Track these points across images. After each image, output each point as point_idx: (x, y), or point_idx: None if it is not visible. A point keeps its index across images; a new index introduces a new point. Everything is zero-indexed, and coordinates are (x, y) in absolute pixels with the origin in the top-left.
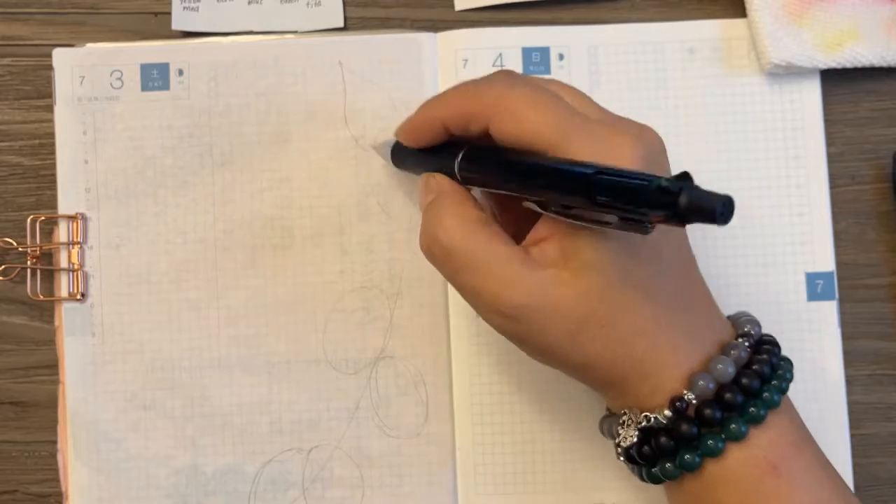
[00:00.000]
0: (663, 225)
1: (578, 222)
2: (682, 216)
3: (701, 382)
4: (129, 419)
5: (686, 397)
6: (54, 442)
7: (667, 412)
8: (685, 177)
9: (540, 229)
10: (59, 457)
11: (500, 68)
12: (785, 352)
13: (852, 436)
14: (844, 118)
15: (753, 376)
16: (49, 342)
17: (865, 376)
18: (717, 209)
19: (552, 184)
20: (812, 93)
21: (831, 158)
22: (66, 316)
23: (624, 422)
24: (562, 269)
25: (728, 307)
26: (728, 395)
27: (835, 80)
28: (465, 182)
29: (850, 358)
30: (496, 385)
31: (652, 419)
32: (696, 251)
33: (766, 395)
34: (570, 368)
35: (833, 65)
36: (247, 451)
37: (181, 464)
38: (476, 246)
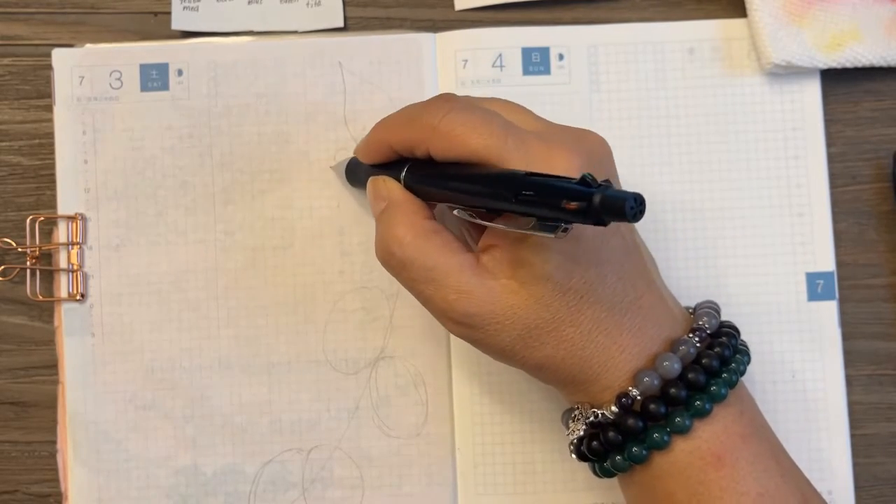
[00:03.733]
0: (582, 225)
1: (501, 228)
2: (596, 214)
3: (646, 379)
4: (128, 419)
5: (631, 393)
6: (54, 442)
7: (613, 408)
8: (608, 184)
9: (489, 237)
10: (59, 457)
11: (499, 68)
12: (785, 352)
13: (852, 436)
14: (844, 118)
15: (700, 371)
16: (49, 342)
17: (865, 376)
18: (628, 205)
19: (479, 189)
20: (812, 93)
21: (831, 158)
22: (66, 316)
23: (575, 416)
24: (510, 279)
25: (728, 307)
26: (672, 390)
27: (835, 80)
28: (414, 194)
29: (850, 358)
30: (496, 385)
31: (600, 414)
32: (697, 251)
33: (713, 388)
34: (525, 368)
35: (833, 65)
36: (247, 451)
37: (181, 464)
38: (428, 257)
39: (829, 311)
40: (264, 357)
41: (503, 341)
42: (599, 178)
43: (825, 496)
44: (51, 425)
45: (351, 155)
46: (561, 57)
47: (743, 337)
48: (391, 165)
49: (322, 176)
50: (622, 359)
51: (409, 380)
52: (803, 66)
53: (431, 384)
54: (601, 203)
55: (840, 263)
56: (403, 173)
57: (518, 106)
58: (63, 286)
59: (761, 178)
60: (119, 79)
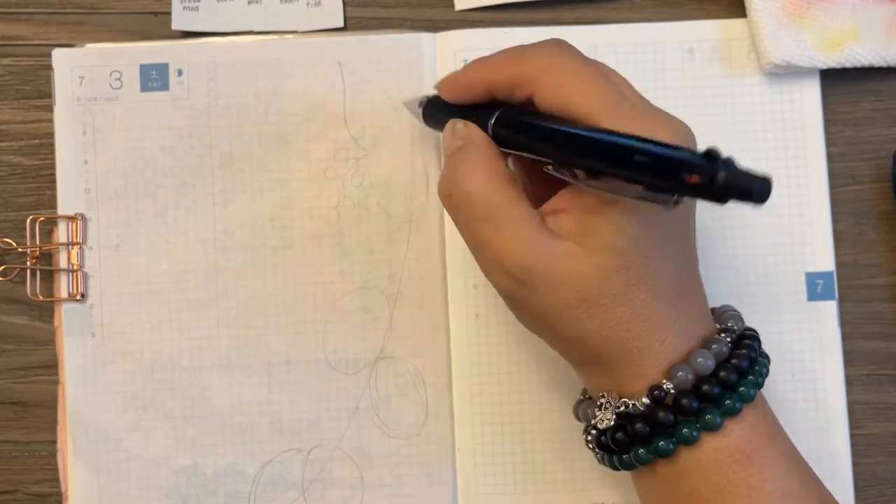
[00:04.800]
0: (692, 199)
1: (603, 190)
2: (719, 190)
3: (680, 374)
4: (128, 419)
5: (665, 387)
6: (54, 442)
7: (644, 399)
8: (731, 160)
9: (559, 201)
10: (59, 457)
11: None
12: (785, 352)
13: (852, 436)
14: (844, 118)
15: (732, 370)
16: (49, 342)
17: (865, 376)
18: (755, 188)
19: (588, 148)
20: (812, 93)
21: (831, 158)
22: (66, 316)
23: (602, 405)
24: (576, 244)
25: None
26: (706, 387)
27: (834, 80)
28: (497, 142)
29: (850, 358)
30: (496, 385)
31: (630, 405)
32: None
33: (742, 389)
34: (559, 341)
35: (833, 65)
36: (247, 451)
37: (181, 464)
38: (497, 199)
39: (828, 311)
40: (264, 357)
41: (551, 305)
42: None
43: None
44: (51, 425)
45: (423, 94)
46: None
47: None
48: (476, 109)
49: (322, 176)
50: (660, 349)
51: (409, 380)
52: (803, 66)
53: (431, 384)
54: (726, 180)
55: (840, 263)
56: (494, 118)
57: (622, 76)
58: (63, 286)
59: None
60: (119, 79)
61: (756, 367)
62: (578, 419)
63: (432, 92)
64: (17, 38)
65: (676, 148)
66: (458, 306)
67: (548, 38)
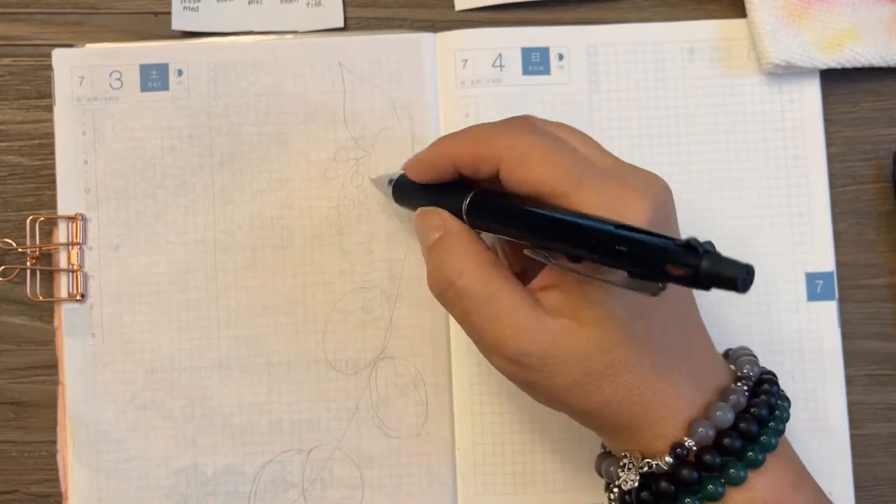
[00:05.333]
0: (675, 286)
1: (584, 275)
2: (703, 280)
3: (701, 429)
4: (128, 419)
5: (687, 444)
6: (54, 442)
7: (668, 458)
8: (711, 247)
9: (548, 276)
10: (59, 457)
11: (499, 68)
12: (785, 352)
13: (852, 436)
14: (844, 118)
15: (751, 421)
16: (49, 342)
17: (865, 376)
18: (740, 278)
19: (566, 235)
20: (812, 93)
21: (831, 158)
22: (66, 316)
23: (624, 465)
24: (570, 320)
25: (728, 307)
26: (727, 441)
27: (834, 80)
28: (471, 225)
29: (850, 358)
30: (496, 385)
31: (653, 465)
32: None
33: (763, 438)
34: (575, 414)
35: (833, 65)
36: (247, 451)
37: (181, 464)
38: (490, 290)
39: (828, 311)
40: (264, 357)
41: (558, 385)
42: (667, 225)
43: None
44: (51, 425)
45: (392, 171)
46: (560, 57)
47: (742, 338)
48: (448, 190)
49: (322, 176)
50: (676, 407)
51: (409, 380)
52: (803, 66)
53: (431, 384)
54: (710, 271)
55: (840, 263)
56: (467, 201)
57: (588, 138)
58: (63, 286)
59: (761, 178)
60: (119, 79)
61: (777, 413)
62: (600, 475)
63: (399, 171)
64: (17, 38)
65: (657, 237)
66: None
67: (516, 116)
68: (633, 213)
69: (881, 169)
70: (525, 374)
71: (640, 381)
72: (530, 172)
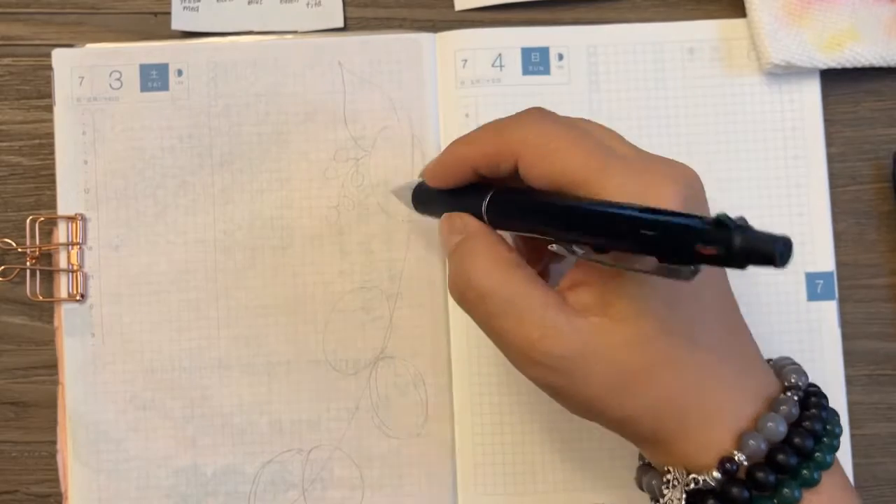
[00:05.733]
0: (709, 268)
1: (612, 265)
2: (738, 258)
3: (752, 442)
4: (128, 419)
5: (737, 458)
6: (54, 442)
7: (716, 474)
8: (744, 223)
9: (576, 273)
10: (59, 457)
11: (499, 68)
12: (785, 352)
13: (852, 436)
14: (844, 118)
15: (806, 435)
16: (49, 342)
17: (865, 376)
18: (777, 251)
19: (589, 225)
20: (812, 93)
21: (831, 158)
22: (66, 316)
23: (669, 481)
24: (602, 317)
25: None
26: (781, 457)
27: (835, 80)
28: (493, 225)
29: (850, 358)
30: (496, 385)
31: (700, 481)
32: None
33: (818, 455)
34: (611, 422)
35: (833, 65)
36: (247, 451)
37: (181, 464)
38: (512, 290)
39: (829, 311)
40: (264, 357)
41: (591, 390)
42: (702, 210)
43: None
44: (51, 425)
45: (412, 180)
46: (560, 57)
47: None
48: (468, 193)
49: (322, 176)
50: (722, 415)
51: (409, 380)
52: (803, 66)
53: (431, 384)
54: (744, 246)
55: (840, 263)
56: (486, 200)
57: (609, 129)
58: (63, 286)
59: (761, 178)
60: (119, 79)
61: (828, 428)
62: (641, 489)
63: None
64: (17, 38)
65: (685, 217)
66: (458, 307)
67: (530, 106)
68: (663, 197)
69: (881, 169)
70: (555, 379)
71: (682, 381)
72: (550, 164)
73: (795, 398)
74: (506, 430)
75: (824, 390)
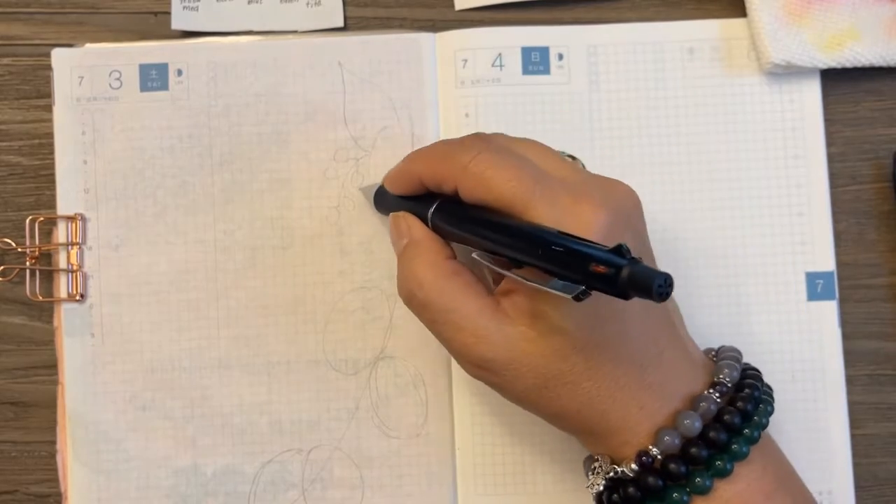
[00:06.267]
0: (600, 293)
1: (521, 279)
2: (622, 286)
3: (667, 438)
4: (128, 420)
5: (652, 452)
6: (54, 442)
7: (633, 465)
8: (639, 260)
9: (510, 281)
10: (59, 457)
11: (499, 68)
12: (785, 352)
13: (853, 436)
14: (844, 118)
15: (720, 429)
16: (48, 342)
17: (865, 376)
18: (656, 283)
19: (505, 239)
20: (812, 92)
21: (831, 158)
22: (66, 316)
23: (594, 468)
24: (529, 328)
25: (728, 307)
26: (693, 450)
27: (835, 79)
28: (437, 231)
29: (850, 358)
30: None
31: (620, 471)
32: (696, 252)
33: (734, 447)
34: (542, 416)
35: (833, 64)
36: (247, 451)
37: (181, 464)
38: (448, 298)
39: (829, 311)
40: (264, 357)
41: (519, 388)
42: (626, 234)
43: (825, 496)
44: (51, 425)
45: (379, 182)
46: (560, 57)
47: (743, 338)
48: (420, 199)
49: (321, 176)
50: (642, 416)
51: (409, 380)
52: (803, 65)
53: (431, 384)
54: (629, 277)
55: (840, 263)
56: (432, 210)
57: (550, 151)
58: (63, 286)
59: (761, 178)
60: (119, 79)
61: (755, 419)
62: (586, 475)
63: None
64: (16, 37)
65: (587, 242)
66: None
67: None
68: (587, 223)
69: (881, 169)
70: (490, 378)
71: (600, 390)
72: (485, 191)
73: (717, 396)
74: (506, 430)
75: (824, 390)
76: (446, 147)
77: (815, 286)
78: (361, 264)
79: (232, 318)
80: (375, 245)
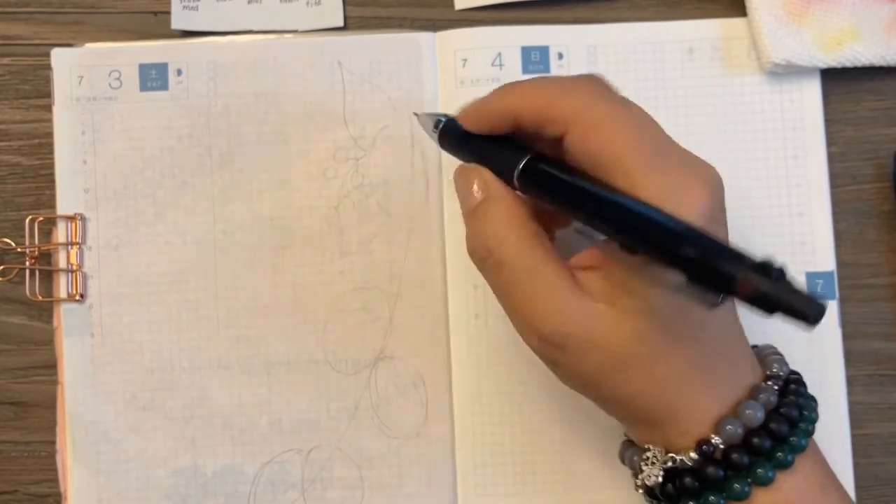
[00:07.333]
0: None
1: (637, 271)
2: (770, 307)
3: (729, 427)
4: (128, 420)
5: (713, 441)
6: (54, 442)
7: (693, 454)
8: (781, 273)
9: (589, 256)
10: (58, 457)
11: (498, 67)
12: (785, 352)
13: (853, 436)
14: (845, 118)
15: (782, 421)
16: (48, 342)
17: (865, 376)
18: (812, 312)
19: (632, 226)
20: (812, 92)
21: (831, 158)
22: (65, 316)
23: (648, 458)
24: (610, 306)
25: None
26: (756, 440)
27: (835, 79)
28: (522, 190)
29: (850, 358)
30: (496, 385)
31: (678, 460)
32: None
33: (793, 439)
34: (601, 401)
35: (833, 64)
36: (246, 451)
37: (181, 464)
38: (530, 262)
39: (829, 310)
40: (264, 357)
41: (588, 369)
42: (721, 217)
43: None
44: (50, 425)
45: (439, 111)
46: (560, 56)
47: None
48: (499, 148)
49: (321, 176)
50: (706, 404)
51: (409, 380)
52: (803, 65)
53: (431, 384)
54: (782, 299)
55: (840, 263)
56: (521, 165)
57: (651, 117)
58: (62, 286)
59: (761, 178)
60: (118, 79)
61: (805, 413)
62: (623, 463)
63: (446, 110)
64: (16, 37)
65: (735, 252)
66: (458, 306)
67: (583, 72)
68: (694, 202)
69: (882, 168)
70: (556, 355)
71: (673, 375)
72: (602, 146)
73: (775, 387)
74: (506, 430)
75: (824, 390)
76: (555, 86)
77: (816, 286)
78: (361, 264)
79: (232, 318)
80: (375, 245)
